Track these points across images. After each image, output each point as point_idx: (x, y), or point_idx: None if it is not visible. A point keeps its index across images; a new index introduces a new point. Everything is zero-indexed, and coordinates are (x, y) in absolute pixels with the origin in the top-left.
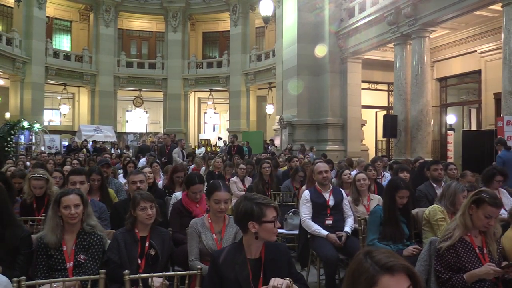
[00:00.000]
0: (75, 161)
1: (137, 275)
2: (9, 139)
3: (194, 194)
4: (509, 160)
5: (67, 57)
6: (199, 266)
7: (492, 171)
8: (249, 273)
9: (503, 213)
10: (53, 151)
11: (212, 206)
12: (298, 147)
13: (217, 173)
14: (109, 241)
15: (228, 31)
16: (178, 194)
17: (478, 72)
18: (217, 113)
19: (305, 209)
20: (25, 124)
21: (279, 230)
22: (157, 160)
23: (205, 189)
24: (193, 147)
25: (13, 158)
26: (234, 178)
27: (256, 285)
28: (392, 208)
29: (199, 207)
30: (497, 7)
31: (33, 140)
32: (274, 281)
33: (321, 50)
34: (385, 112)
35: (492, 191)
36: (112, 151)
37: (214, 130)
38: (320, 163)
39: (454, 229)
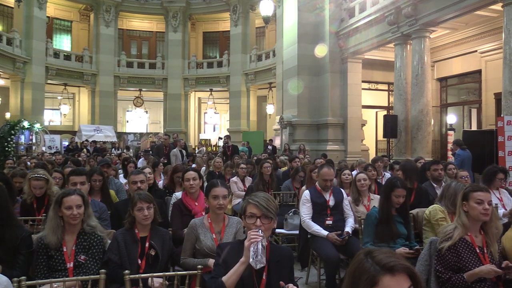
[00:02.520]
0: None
1: (137, 275)
2: (9, 139)
3: (188, 182)
4: (465, 158)
5: (67, 57)
6: (200, 266)
7: (493, 169)
8: (252, 271)
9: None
10: (53, 151)
11: (211, 203)
12: (297, 147)
13: (217, 173)
14: (109, 241)
15: (228, 31)
16: (178, 194)
17: (479, 72)
18: (218, 113)
19: (305, 209)
20: (26, 124)
21: (279, 230)
22: (157, 160)
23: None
24: (193, 147)
25: (14, 158)
26: (235, 178)
27: (258, 284)
28: (386, 207)
29: (197, 205)
30: (497, 7)
31: (34, 140)
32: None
33: (321, 50)
34: (385, 112)
35: (476, 184)
36: (113, 151)
37: (214, 130)
38: (326, 170)
39: (454, 229)
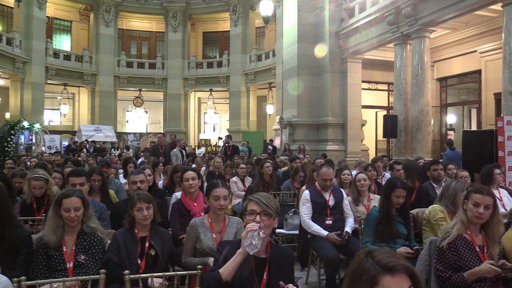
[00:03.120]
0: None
1: (137, 275)
2: (9, 139)
3: (187, 182)
4: (452, 157)
5: (67, 57)
6: (199, 266)
7: (487, 168)
8: (252, 270)
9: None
10: (52, 151)
11: (212, 204)
12: (296, 147)
13: (217, 173)
14: (109, 241)
15: (228, 31)
16: (178, 194)
17: (478, 72)
18: (217, 113)
19: (305, 209)
20: (25, 124)
21: (279, 230)
22: (157, 160)
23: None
24: (193, 147)
25: (14, 158)
26: (234, 178)
27: (258, 283)
28: (386, 207)
29: (196, 205)
30: (497, 7)
31: (33, 140)
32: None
33: (321, 50)
34: (385, 112)
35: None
36: (113, 151)
37: (214, 130)
38: (326, 169)
39: (453, 227)
